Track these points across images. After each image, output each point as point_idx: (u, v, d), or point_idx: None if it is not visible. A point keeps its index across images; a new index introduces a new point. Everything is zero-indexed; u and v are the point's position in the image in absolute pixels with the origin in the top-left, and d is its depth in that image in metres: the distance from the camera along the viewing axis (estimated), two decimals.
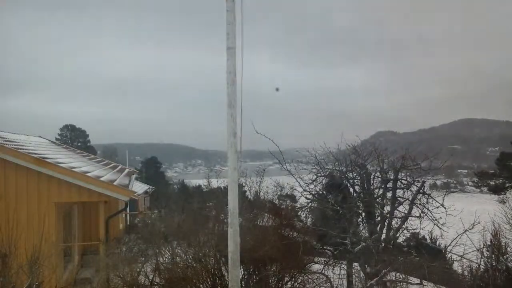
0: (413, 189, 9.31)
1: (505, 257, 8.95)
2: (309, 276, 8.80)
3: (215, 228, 11.23)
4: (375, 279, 8.38)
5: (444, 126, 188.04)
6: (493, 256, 8.96)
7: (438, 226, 8.79)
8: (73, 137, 52.60)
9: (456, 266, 10.64)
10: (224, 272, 7.75)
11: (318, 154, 10.74)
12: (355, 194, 10.12)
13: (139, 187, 27.61)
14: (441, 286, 9.01)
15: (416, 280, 8.83)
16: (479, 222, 8.78)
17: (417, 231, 9.46)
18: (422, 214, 8.88)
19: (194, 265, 7.96)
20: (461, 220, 8.72)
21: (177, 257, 8.87)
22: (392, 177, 9.57)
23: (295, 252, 8.31)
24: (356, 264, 9.58)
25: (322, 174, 10.23)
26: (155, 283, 8.42)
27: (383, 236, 9.22)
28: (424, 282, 8.56)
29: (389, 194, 9.54)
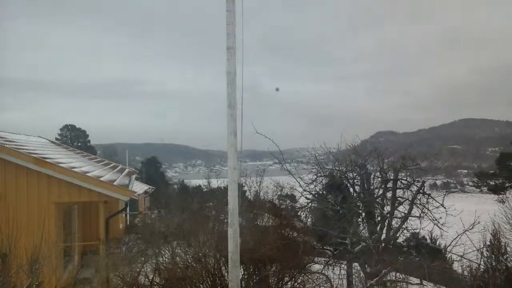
0: (413, 189, 9.31)
1: (505, 257, 8.95)
2: (309, 276, 8.80)
3: (215, 228, 11.23)
4: (375, 279, 8.38)
5: (444, 126, 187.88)
6: (493, 256, 8.96)
7: (438, 226, 8.80)
8: (73, 137, 52.56)
9: (456, 266, 10.63)
10: (224, 272, 7.75)
11: (318, 154, 10.75)
12: (355, 194, 10.12)
13: (139, 187, 27.57)
14: (441, 286, 9.00)
15: (416, 280, 8.82)
16: (479, 222, 8.78)
17: (417, 231, 9.46)
18: (422, 214, 8.88)
19: (194, 265, 7.96)
20: (461, 220, 8.71)
21: (177, 257, 8.87)
22: (392, 177, 9.57)
23: (295, 252, 8.31)
24: (356, 264, 9.58)
25: (322, 174, 10.23)
26: (155, 283, 8.42)
27: (383, 236, 9.22)
28: (424, 282, 8.55)
29: (389, 194, 9.55)
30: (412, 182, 9.41)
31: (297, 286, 8.45)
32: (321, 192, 10.42)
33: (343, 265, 9.75)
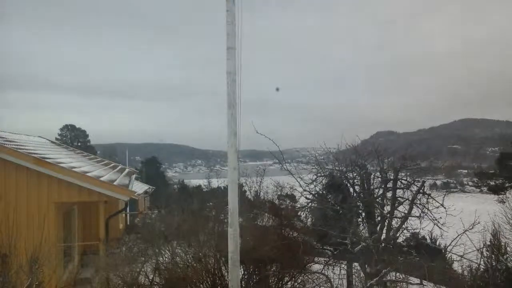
0: (413, 189, 9.30)
1: (505, 257, 8.95)
2: (309, 276, 8.81)
3: (215, 228, 11.24)
4: (375, 279, 8.37)
5: (444, 126, 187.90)
6: (493, 256, 8.96)
7: (438, 226, 8.79)
8: (73, 137, 52.60)
9: (456, 266, 10.64)
10: (224, 272, 7.75)
11: (318, 154, 10.74)
12: (355, 194, 10.11)
13: (139, 187, 27.59)
14: (441, 286, 9.01)
15: (416, 280, 8.83)
16: (479, 222, 8.77)
17: (417, 231, 9.44)
18: (422, 214, 8.87)
19: (194, 265, 7.96)
20: (461, 220, 8.71)
21: (177, 257, 8.86)
22: (392, 177, 9.57)
23: (295, 252, 8.31)
24: (356, 264, 9.58)
25: (322, 174, 10.23)
26: (155, 283, 8.43)
27: (383, 236, 9.21)
28: (424, 282, 8.56)
29: (389, 194, 9.54)
30: (412, 182, 9.40)
31: (297, 286, 8.46)
32: (321, 192, 10.41)
33: (343, 265, 9.75)
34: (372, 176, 10.02)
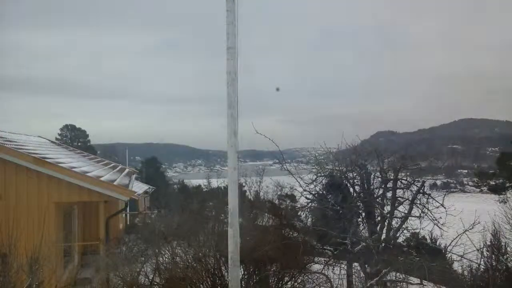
0: (413, 189, 9.30)
1: (505, 257, 8.95)
2: (309, 276, 8.81)
3: (215, 228, 11.24)
4: (375, 279, 8.37)
5: (444, 126, 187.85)
6: (493, 256, 8.96)
7: (438, 226, 8.78)
8: (73, 137, 52.58)
9: (456, 266, 10.63)
10: (224, 272, 7.75)
11: (318, 154, 10.74)
12: (355, 194, 10.10)
13: (139, 187, 27.58)
14: (441, 286, 8.99)
15: (416, 280, 8.82)
16: (479, 222, 8.77)
17: (417, 231, 9.44)
18: (422, 214, 8.87)
19: (194, 265, 7.96)
20: (461, 220, 8.70)
21: (177, 257, 8.87)
22: (392, 177, 9.56)
23: (295, 252, 8.31)
24: (356, 264, 9.57)
25: (322, 174, 10.22)
26: (155, 283, 8.43)
27: (383, 236, 9.21)
28: (424, 282, 8.55)
29: (389, 194, 9.53)
30: (412, 182, 9.40)
31: (297, 286, 8.46)
32: (321, 192, 10.41)
33: (343, 265, 9.74)
34: (372, 176, 10.02)
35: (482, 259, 9.15)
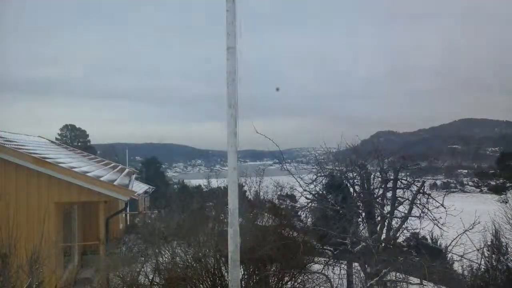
0: (413, 189, 9.31)
1: (505, 257, 8.97)
2: (309, 276, 8.80)
3: (215, 228, 11.22)
4: (375, 279, 8.37)
5: (444, 126, 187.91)
6: (493, 256, 8.97)
7: (438, 226, 8.79)
8: (73, 137, 52.62)
9: (456, 266, 10.63)
10: (224, 272, 7.75)
11: (318, 154, 10.74)
12: (355, 194, 10.12)
13: (139, 187, 27.59)
14: (441, 286, 9.00)
15: (416, 280, 8.82)
16: (479, 222, 8.78)
17: (417, 231, 9.46)
18: (422, 214, 8.88)
19: (194, 265, 7.96)
20: (461, 220, 8.71)
21: (177, 257, 8.87)
22: (392, 177, 9.57)
23: (295, 252, 8.31)
24: (356, 264, 9.58)
25: (322, 174, 10.23)
26: (155, 283, 8.43)
27: (383, 236, 9.21)
28: (424, 282, 8.55)
29: (389, 194, 9.54)
30: (412, 182, 9.41)
31: (297, 286, 8.45)
32: (321, 192, 10.42)
33: (343, 265, 9.75)
34: (372, 176, 10.03)
35: (482, 259, 9.16)
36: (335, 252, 9.88)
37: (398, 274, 8.91)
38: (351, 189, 10.21)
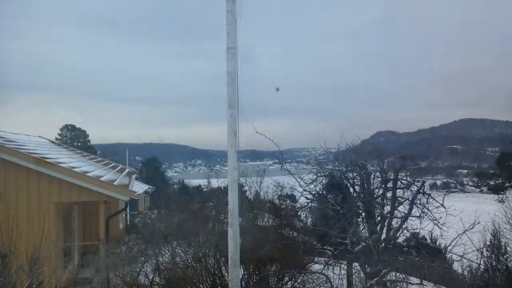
0: (413, 189, 9.31)
1: (505, 257, 8.97)
2: (309, 276, 8.81)
3: (215, 228, 11.24)
4: (375, 279, 8.37)
5: (444, 126, 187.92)
6: (493, 256, 8.98)
7: (438, 226, 8.79)
8: (73, 137, 52.59)
9: (456, 266, 10.64)
10: (224, 272, 7.76)
11: (318, 154, 10.73)
12: (355, 194, 10.11)
13: (139, 187, 27.60)
14: (441, 286, 9.00)
15: (416, 280, 8.82)
16: (479, 222, 8.78)
17: (417, 231, 9.45)
18: (422, 214, 8.87)
19: (194, 265, 7.97)
20: (461, 220, 8.71)
21: (177, 257, 8.88)
22: (392, 177, 9.57)
23: (295, 252, 8.31)
24: (356, 264, 9.57)
25: (322, 174, 10.23)
26: (155, 283, 8.43)
27: (383, 236, 9.21)
28: (424, 282, 8.55)
29: (389, 194, 9.54)
30: (412, 182, 9.41)
31: (297, 286, 8.46)
32: (321, 192, 10.41)
33: (343, 265, 9.75)
34: (372, 176, 10.02)
35: (482, 259, 9.16)
36: (335, 252, 9.88)
37: (398, 274, 8.91)
38: (351, 189, 10.21)
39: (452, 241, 8.93)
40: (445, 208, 8.75)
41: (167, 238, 10.93)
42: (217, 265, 7.80)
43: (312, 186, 10.15)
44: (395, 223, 9.29)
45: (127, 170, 18.71)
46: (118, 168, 17.34)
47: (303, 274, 8.62)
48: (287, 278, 8.31)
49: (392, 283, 8.76)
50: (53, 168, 10.39)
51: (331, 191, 10.22)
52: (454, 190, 67.44)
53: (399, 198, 9.34)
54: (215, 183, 30.70)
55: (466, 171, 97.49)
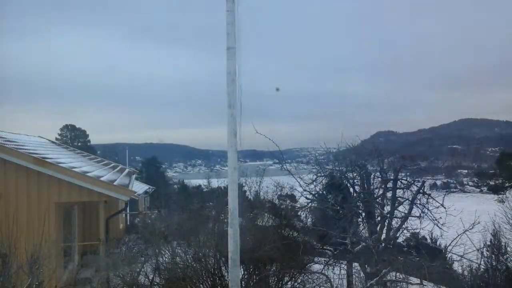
0: (413, 189, 9.31)
1: (505, 257, 8.97)
2: (309, 276, 8.81)
3: (215, 228, 11.23)
4: (375, 279, 8.37)
5: (444, 126, 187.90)
6: (493, 256, 8.98)
7: (438, 226, 8.79)
8: (73, 137, 52.64)
9: (456, 266, 10.64)
10: (224, 272, 7.76)
11: (318, 154, 10.74)
12: (355, 194, 10.11)
13: (139, 187, 27.59)
14: (441, 286, 9.00)
15: (416, 280, 8.82)
16: (479, 222, 8.78)
17: (417, 231, 9.45)
18: (422, 214, 8.88)
19: (194, 265, 7.96)
20: (461, 220, 8.72)
21: (177, 257, 8.87)
22: (392, 177, 9.57)
23: (295, 252, 8.32)
24: (356, 264, 9.57)
25: (322, 174, 10.23)
26: (155, 283, 8.43)
27: (383, 236, 9.21)
28: (424, 282, 8.55)
29: (389, 194, 9.54)
30: (412, 182, 9.41)
31: (297, 286, 8.46)
32: (321, 192, 10.42)
33: (343, 265, 9.75)
34: (372, 176, 10.03)
35: (482, 259, 9.16)
36: (335, 252, 9.88)
37: (398, 274, 8.91)
38: (351, 189, 10.21)
39: (452, 241, 8.93)
40: (445, 208, 8.76)
41: (167, 238, 10.93)
42: (217, 265, 7.80)
43: (312, 186, 10.15)
44: (395, 223, 9.29)
45: (127, 170, 18.71)
46: (118, 168, 17.34)
47: (303, 274, 8.62)
48: (287, 278, 8.32)
49: (392, 283, 8.77)
50: (53, 168, 10.39)
51: (331, 191, 10.22)
52: (454, 190, 67.43)
53: (399, 198, 9.35)
54: (215, 183, 30.73)
55: (466, 171, 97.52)
